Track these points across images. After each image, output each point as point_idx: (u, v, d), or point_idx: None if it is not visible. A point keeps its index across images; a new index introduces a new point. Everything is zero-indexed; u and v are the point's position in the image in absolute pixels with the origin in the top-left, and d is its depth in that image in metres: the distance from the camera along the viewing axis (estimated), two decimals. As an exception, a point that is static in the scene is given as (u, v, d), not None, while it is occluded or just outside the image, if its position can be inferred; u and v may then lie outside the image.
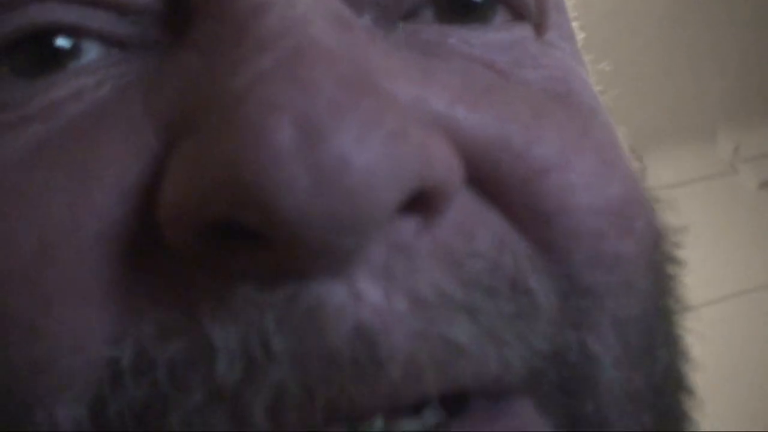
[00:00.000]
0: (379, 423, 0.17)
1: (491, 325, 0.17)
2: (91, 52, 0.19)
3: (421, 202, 0.17)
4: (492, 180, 0.19)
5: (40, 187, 0.18)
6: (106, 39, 0.19)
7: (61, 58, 0.19)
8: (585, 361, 0.19)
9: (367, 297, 0.16)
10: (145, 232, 0.17)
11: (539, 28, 0.23)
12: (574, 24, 0.26)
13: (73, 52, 0.19)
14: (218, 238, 0.16)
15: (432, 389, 0.17)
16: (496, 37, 0.21)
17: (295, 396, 0.16)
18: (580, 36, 0.26)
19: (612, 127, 0.23)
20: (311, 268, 0.16)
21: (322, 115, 0.15)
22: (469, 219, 0.18)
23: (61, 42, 0.19)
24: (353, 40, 0.18)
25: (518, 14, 0.22)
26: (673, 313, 0.23)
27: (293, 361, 0.16)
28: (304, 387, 0.16)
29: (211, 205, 0.16)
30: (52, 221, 0.17)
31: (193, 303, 0.17)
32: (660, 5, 1.37)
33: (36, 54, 0.19)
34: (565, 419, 0.19)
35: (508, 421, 0.18)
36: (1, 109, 0.19)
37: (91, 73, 0.19)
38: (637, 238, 0.20)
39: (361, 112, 0.15)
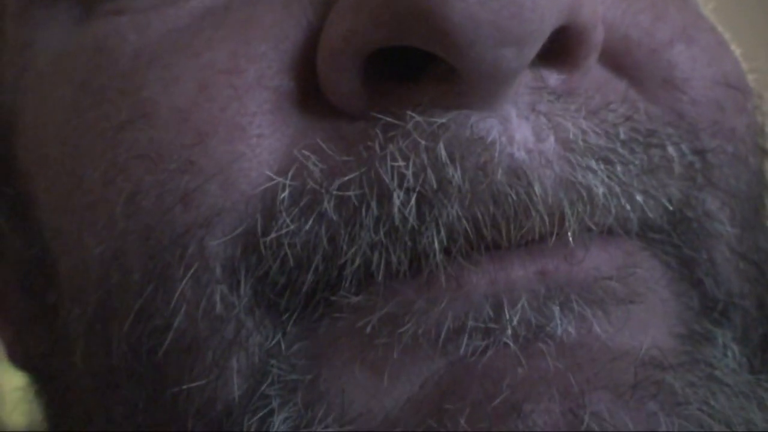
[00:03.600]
0: None
1: (625, 178, 0.19)
2: None
3: (564, 54, 0.18)
4: (622, 53, 0.20)
5: (203, 42, 0.19)
6: None
7: None
8: (703, 216, 0.21)
9: (519, 134, 0.17)
10: (304, 86, 0.18)
11: None
12: None
13: None
14: (377, 78, 0.17)
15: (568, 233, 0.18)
16: None
17: (467, 233, 0.17)
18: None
19: None
20: (470, 99, 0.17)
21: None
22: (604, 85, 0.20)
23: None
24: None
25: None
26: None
27: (467, 197, 0.17)
28: (475, 224, 0.17)
29: (381, 26, 0.17)
30: (213, 67, 0.18)
31: (358, 140, 0.17)
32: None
33: None
34: (676, 261, 0.20)
35: (612, 250, 0.19)
36: None
37: None
38: (749, 117, 0.22)
39: None
